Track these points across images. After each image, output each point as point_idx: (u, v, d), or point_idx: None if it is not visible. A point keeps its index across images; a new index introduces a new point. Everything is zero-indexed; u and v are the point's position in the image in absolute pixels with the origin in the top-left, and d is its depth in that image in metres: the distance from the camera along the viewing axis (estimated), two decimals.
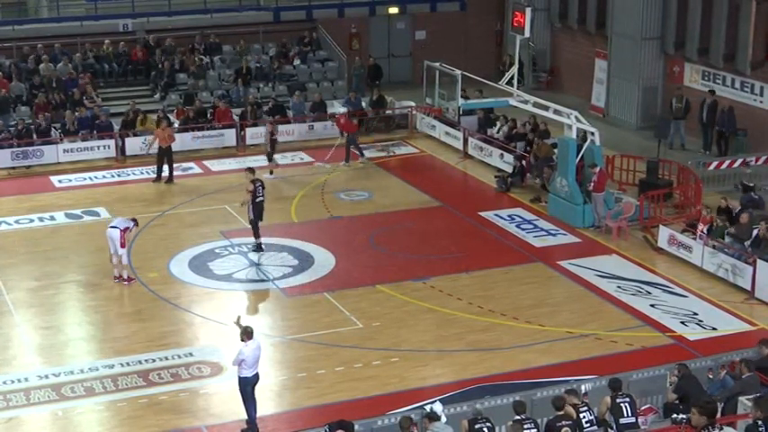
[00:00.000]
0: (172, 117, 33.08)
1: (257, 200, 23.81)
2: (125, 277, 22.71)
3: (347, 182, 29.55)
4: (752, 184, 25.73)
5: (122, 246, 22.56)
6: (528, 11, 26.19)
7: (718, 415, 14.31)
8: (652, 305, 21.63)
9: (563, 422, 14.79)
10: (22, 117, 32.02)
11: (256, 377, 16.80)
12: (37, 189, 28.87)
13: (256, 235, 24.14)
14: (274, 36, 38.44)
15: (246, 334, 16.66)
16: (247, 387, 16.76)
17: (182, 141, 32.00)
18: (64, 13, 37.24)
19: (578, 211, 25.82)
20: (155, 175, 29.46)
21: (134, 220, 23.28)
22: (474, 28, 40.97)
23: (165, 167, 29.40)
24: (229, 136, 32.53)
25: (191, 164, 30.89)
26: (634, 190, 27.61)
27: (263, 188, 24.09)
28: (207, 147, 31.94)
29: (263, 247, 24.18)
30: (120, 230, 22.48)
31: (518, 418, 14.82)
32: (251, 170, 24.53)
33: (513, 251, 24.60)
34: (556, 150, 27.89)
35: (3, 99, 32.73)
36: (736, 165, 28.60)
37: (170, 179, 29.46)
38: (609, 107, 35.43)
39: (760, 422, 13.77)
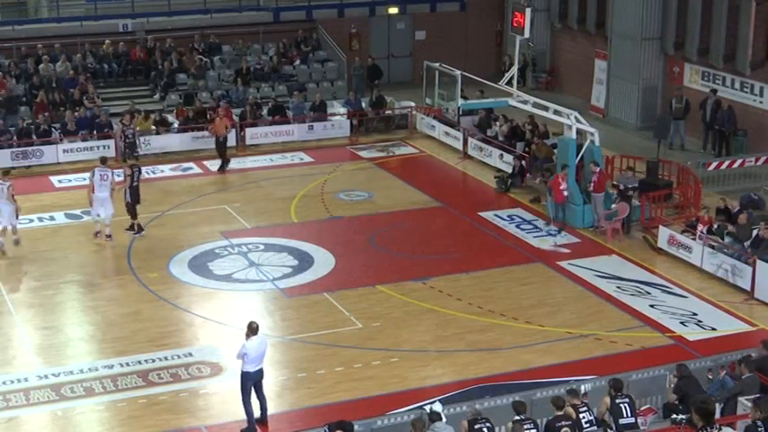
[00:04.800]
0: (171, 117, 33.18)
1: (134, 184, 25.07)
2: (108, 234, 24.95)
3: (347, 182, 29.56)
4: (756, 196, 25.84)
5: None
6: (528, 11, 26.18)
7: (717, 415, 14.32)
8: (652, 305, 21.64)
9: (563, 422, 14.80)
10: (22, 117, 32.06)
11: (259, 373, 16.83)
12: (37, 189, 28.86)
13: (134, 216, 25.31)
14: (274, 36, 38.45)
15: (251, 329, 16.72)
16: (248, 382, 16.76)
17: (181, 141, 32.09)
18: (64, 13, 37.27)
19: (578, 211, 25.81)
20: (220, 166, 30.60)
21: (103, 161, 25.25)
22: (474, 28, 41.00)
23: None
24: (229, 136, 32.50)
25: (190, 164, 30.93)
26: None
27: (140, 173, 25.46)
28: (207, 147, 31.95)
29: (142, 227, 25.36)
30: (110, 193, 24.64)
31: (518, 418, 14.83)
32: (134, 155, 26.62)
33: (513, 251, 24.61)
34: (556, 151, 27.90)
35: (9, 98, 32.80)
36: (735, 165, 28.63)
37: (222, 168, 30.55)
38: (609, 107, 35.44)
39: (759, 423, 13.77)
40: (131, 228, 25.29)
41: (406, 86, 38.57)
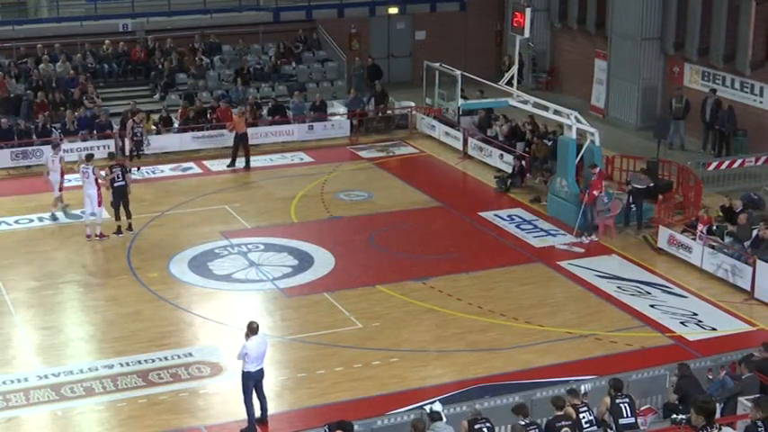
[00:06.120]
0: (173, 117, 33.17)
1: (116, 184, 25.01)
2: (99, 234, 25.04)
3: (347, 182, 29.56)
4: (756, 196, 25.81)
5: (99, 205, 24.94)
6: (528, 11, 26.16)
7: (717, 415, 14.30)
8: (652, 305, 21.64)
9: (563, 422, 14.79)
10: (23, 116, 32.05)
11: (260, 373, 16.84)
12: (37, 189, 28.79)
13: (116, 218, 25.31)
14: (274, 36, 38.46)
15: (251, 329, 16.73)
16: (249, 382, 16.78)
17: (181, 141, 32.08)
18: (64, 13, 37.28)
19: (578, 211, 25.76)
20: (230, 161, 30.82)
21: (88, 159, 25.16)
22: (474, 28, 41.00)
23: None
24: (229, 136, 32.46)
25: (190, 164, 30.94)
26: None
27: (124, 173, 25.22)
28: (207, 147, 31.97)
29: (122, 230, 25.28)
30: (97, 191, 24.74)
31: (522, 423, 14.76)
32: (111, 155, 26.75)
33: (513, 251, 24.60)
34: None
35: (16, 98, 32.83)
36: (735, 165, 28.62)
37: (247, 166, 30.56)
38: (609, 107, 35.44)
39: (759, 423, 13.76)
40: (118, 230, 25.24)
41: (406, 86, 38.55)
